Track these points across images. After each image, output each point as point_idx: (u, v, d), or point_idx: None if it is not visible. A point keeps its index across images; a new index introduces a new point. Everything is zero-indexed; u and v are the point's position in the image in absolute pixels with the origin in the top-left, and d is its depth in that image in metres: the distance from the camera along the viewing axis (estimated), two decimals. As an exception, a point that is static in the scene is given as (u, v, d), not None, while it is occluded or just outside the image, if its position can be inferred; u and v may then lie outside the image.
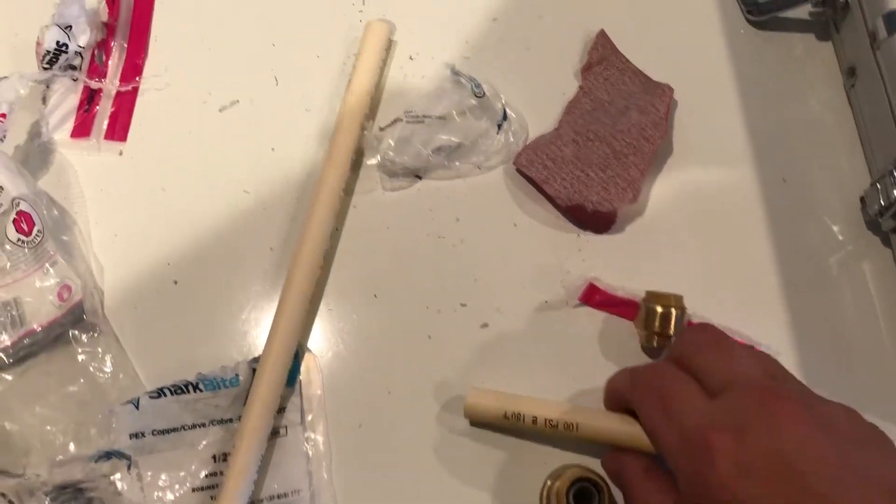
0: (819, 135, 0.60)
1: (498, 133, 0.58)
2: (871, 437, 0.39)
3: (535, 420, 0.49)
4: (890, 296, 0.55)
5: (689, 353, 0.44)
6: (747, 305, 0.55)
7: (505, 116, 0.58)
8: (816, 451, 0.36)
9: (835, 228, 0.57)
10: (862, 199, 0.57)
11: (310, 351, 0.55)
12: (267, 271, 0.57)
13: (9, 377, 0.53)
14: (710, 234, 0.57)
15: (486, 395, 0.50)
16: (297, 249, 0.55)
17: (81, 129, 0.61)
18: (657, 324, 0.51)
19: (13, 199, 0.54)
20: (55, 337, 0.54)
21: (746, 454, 0.37)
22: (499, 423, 0.50)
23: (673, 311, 0.51)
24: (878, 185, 0.53)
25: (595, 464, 0.49)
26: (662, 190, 0.58)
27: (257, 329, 0.55)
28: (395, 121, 0.58)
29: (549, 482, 0.49)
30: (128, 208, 0.59)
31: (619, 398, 0.48)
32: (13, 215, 0.54)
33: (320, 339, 0.55)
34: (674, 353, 0.46)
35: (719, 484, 0.37)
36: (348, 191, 0.58)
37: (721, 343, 0.44)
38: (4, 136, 0.58)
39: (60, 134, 0.61)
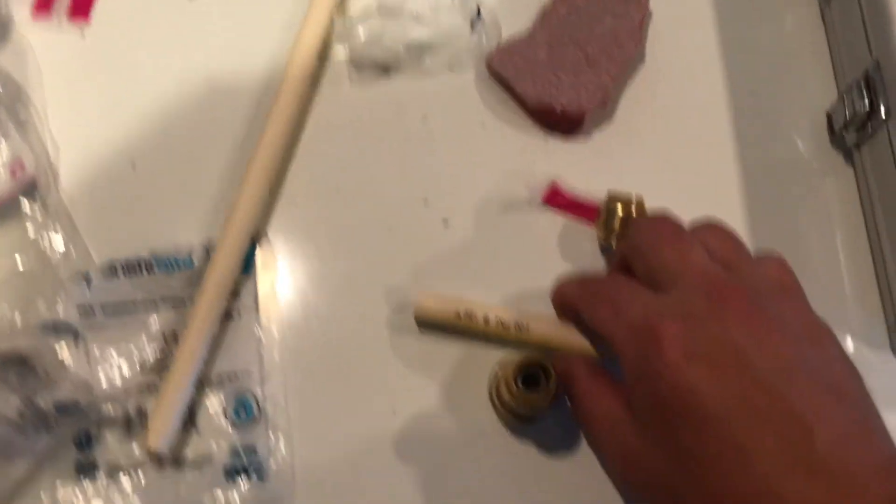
0: (791, 51, 0.60)
1: (471, 32, 0.57)
2: (818, 335, 0.40)
3: (486, 320, 0.49)
4: (849, 214, 0.56)
5: (644, 250, 0.44)
6: (708, 212, 0.55)
7: (479, 15, 0.57)
8: (771, 347, 0.36)
9: (800, 144, 0.57)
10: (828, 116, 0.57)
11: (268, 238, 0.54)
12: (228, 159, 0.56)
13: (-44, 248, 0.52)
14: (676, 144, 0.57)
15: (436, 297, 0.50)
16: (260, 138, 0.54)
17: (43, 7, 0.59)
18: (617, 223, 0.51)
19: (-33, 67, 0.52)
20: (6, 212, 0.53)
21: (696, 342, 0.37)
22: (450, 324, 0.49)
23: (634, 210, 0.51)
24: (844, 98, 0.53)
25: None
26: (632, 98, 0.58)
27: (215, 217, 0.54)
28: (367, 13, 0.57)
29: (498, 371, 0.49)
30: (87, 90, 0.58)
31: (568, 309, 0.47)
32: (-34, 83, 0.52)
33: (279, 230, 0.54)
34: (629, 245, 0.45)
35: (668, 369, 0.37)
36: (315, 83, 0.57)
37: (676, 236, 0.43)
38: (-40, 6, 0.56)
39: (21, 11, 0.59)
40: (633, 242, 0.45)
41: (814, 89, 0.58)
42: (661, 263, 0.42)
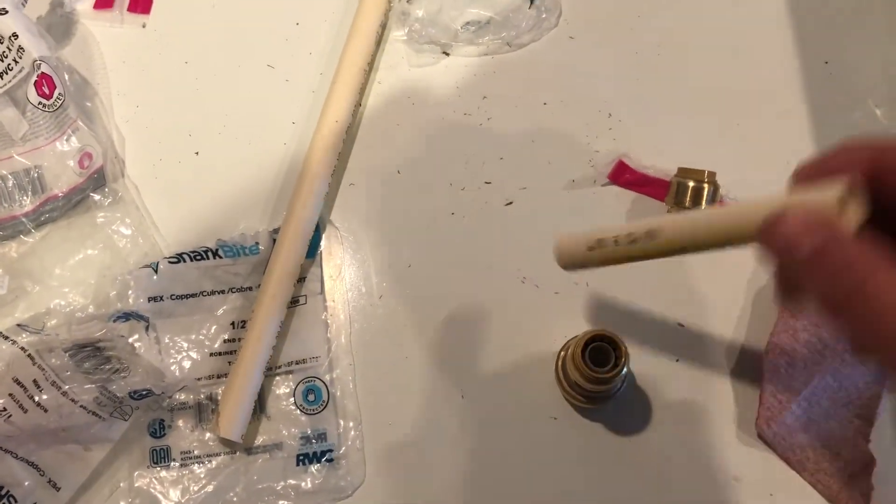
0: (865, 18, 0.57)
1: (530, 8, 0.56)
2: None
3: (616, 241, 0.43)
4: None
5: None
6: (784, 187, 0.53)
7: (537, -9, 0.56)
8: None
9: (878, 111, 0.55)
10: (909, 82, 0.54)
11: (332, 223, 0.54)
12: (288, 145, 0.56)
13: (29, 240, 0.53)
14: (748, 116, 0.55)
15: (570, 237, 0.44)
16: (319, 123, 0.54)
17: (105, 1, 0.60)
18: (688, 199, 0.49)
19: (34, 62, 0.53)
20: (76, 203, 0.54)
21: None
22: (587, 259, 0.43)
23: (706, 185, 0.49)
24: (929, 62, 0.51)
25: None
26: (700, 70, 0.56)
27: (278, 201, 0.54)
28: (424, -7, 0.56)
29: (562, 353, 0.48)
30: (150, 81, 0.58)
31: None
32: (34, 77, 0.53)
33: (342, 213, 0.54)
34: None
35: None
36: (373, 66, 0.57)
37: None
38: (26, 1, 0.57)
39: (83, 5, 0.60)
40: None
41: (890, 54, 0.56)
42: None
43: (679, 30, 0.57)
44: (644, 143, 0.54)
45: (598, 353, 0.44)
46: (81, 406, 0.46)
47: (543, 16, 0.56)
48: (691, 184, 0.49)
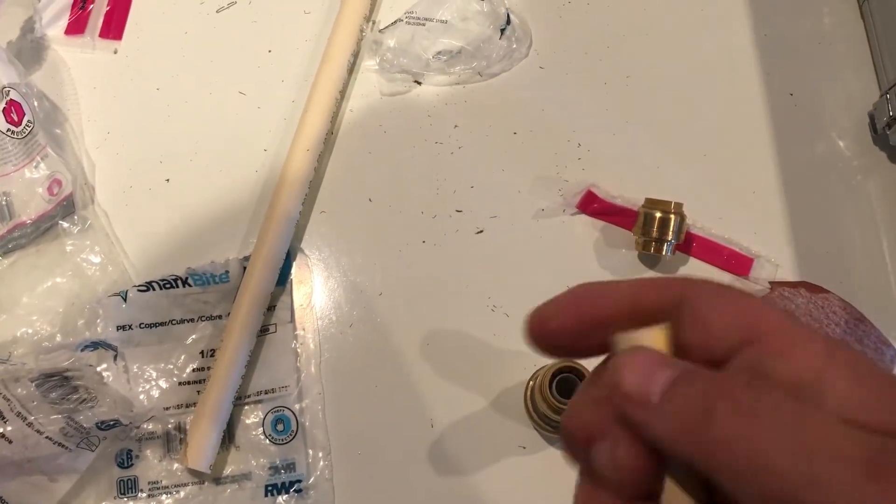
0: (830, 50, 0.58)
1: (500, 38, 0.57)
2: None
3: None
4: (893, 210, 0.54)
5: None
6: (749, 217, 0.54)
7: (508, 21, 0.57)
8: None
9: (841, 144, 0.56)
10: (870, 116, 0.55)
11: (303, 251, 0.54)
12: (260, 172, 0.56)
13: (-3, 268, 0.53)
14: (714, 147, 0.56)
15: None
16: (291, 151, 0.54)
17: (76, 26, 0.60)
18: (655, 229, 0.50)
19: (3, 88, 0.53)
20: (45, 230, 0.54)
21: None
22: None
23: (672, 216, 0.50)
24: (888, 97, 0.52)
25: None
26: (669, 101, 0.57)
27: (249, 229, 0.54)
28: (396, 22, 0.57)
29: (531, 383, 0.48)
30: (121, 107, 0.58)
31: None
32: (3, 104, 0.53)
33: (313, 241, 0.54)
34: None
35: None
36: (345, 94, 0.57)
37: None
38: (-5, 27, 0.56)
39: (54, 30, 0.60)
40: None
41: (854, 88, 0.57)
42: None
43: (647, 61, 0.58)
44: (613, 172, 0.55)
45: (565, 384, 0.44)
46: (47, 437, 0.46)
47: (514, 46, 0.57)
48: (658, 214, 0.50)
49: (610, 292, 0.24)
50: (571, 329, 0.24)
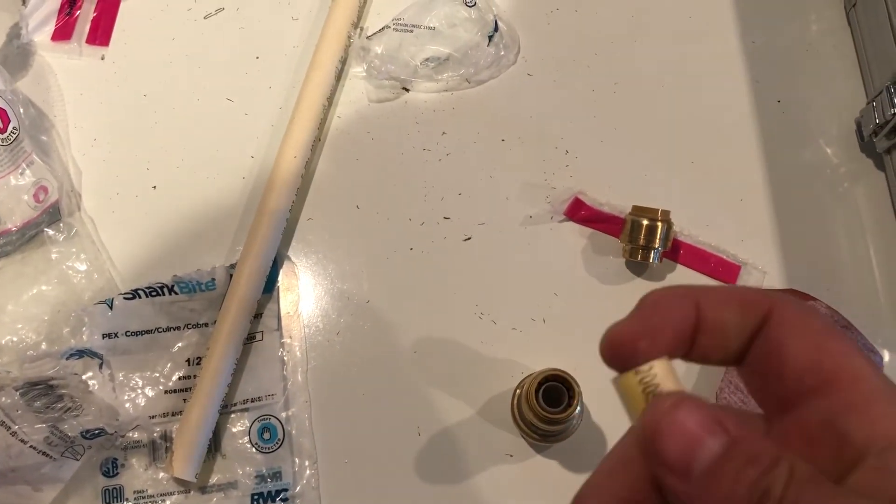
0: (817, 58, 0.58)
1: (488, 45, 0.57)
2: None
3: None
4: (880, 217, 0.54)
5: None
6: (736, 224, 0.54)
7: (496, 28, 0.57)
8: None
9: (828, 151, 0.56)
10: (857, 123, 0.55)
11: (290, 259, 0.54)
12: (247, 179, 0.56)
13: (-18, 275, 0.52)
14: (701, 154, 0.56)
15: None
16: (278, 158, 0.54)
17: (63, 32, 0.60)
18: (642, 236, 0.50)
19: (-11, 95, 0.52)
20: (30, 237, 0.53)
21: None
22: None
23: (659, 224, 0.50)
24: (874, 104, 0.52)
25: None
26: (655, 109, 0.57)
27: (236, 236, 0.54)
28: (384, 29, 0.57)
29: (518, 391, 0.48)
30: (108, 113, 0.58)
31: None
32: (-12, 111, 0.52)
33: (301, 248, 0.54)
34: None
35: None
36: (332, 101, 0.57)
37: None
38: (-19, 34, 0.56)
39: (41, 36, 0.60)
40: None
41: (841, 95, 0.57)
42: None
43: (635, 68, 0.58)
44: (600, 180, 0.55)
45: (552, 393, 0.44)
46: (31, 446, 0.45)
47: (502, 53, 0.57)
48: (645, 222, 0.50)
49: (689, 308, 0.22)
50: (660, 350, 0.22)
